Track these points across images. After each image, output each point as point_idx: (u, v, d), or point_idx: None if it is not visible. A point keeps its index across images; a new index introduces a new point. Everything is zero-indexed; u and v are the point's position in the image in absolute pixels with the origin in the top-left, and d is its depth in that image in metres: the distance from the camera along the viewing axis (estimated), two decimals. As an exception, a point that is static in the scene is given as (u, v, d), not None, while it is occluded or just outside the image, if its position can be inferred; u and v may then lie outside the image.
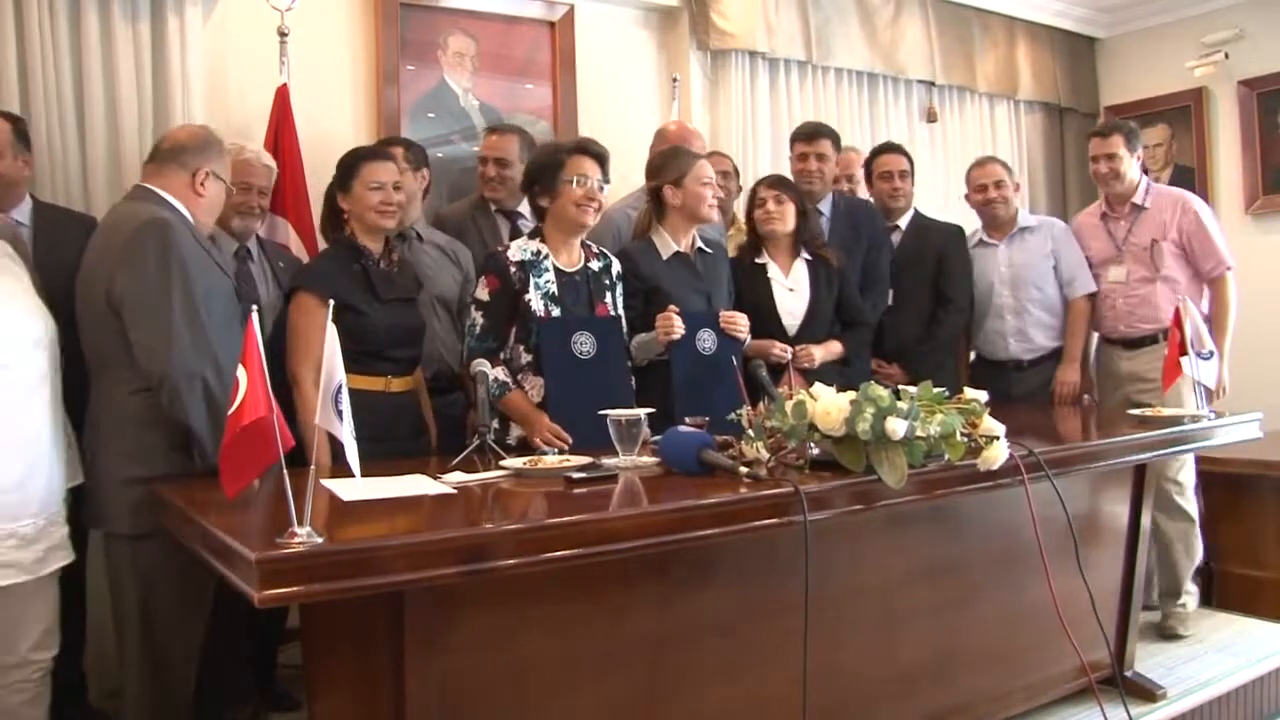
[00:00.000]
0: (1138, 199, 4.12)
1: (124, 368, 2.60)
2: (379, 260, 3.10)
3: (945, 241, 4.25)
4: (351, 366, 2.88)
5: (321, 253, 3.25)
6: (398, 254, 3.21)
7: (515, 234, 3.63)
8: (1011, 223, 4.26)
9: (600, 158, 3.10)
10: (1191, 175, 6.14)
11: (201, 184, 2.79)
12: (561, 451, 2.73)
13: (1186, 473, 3.98)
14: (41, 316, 2.56)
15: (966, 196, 4.42)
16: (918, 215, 4.36)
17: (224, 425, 2.40)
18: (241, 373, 1.81)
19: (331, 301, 2.04)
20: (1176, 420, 3.17)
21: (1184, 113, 6.26)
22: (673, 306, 3.13)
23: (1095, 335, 4.30)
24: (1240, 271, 4.10)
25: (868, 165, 4.45)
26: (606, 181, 3.12)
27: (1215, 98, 6.16)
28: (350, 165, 3.09)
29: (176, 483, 2.50)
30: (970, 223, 4.52)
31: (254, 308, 1.89)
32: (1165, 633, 3.89)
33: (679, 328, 3.10)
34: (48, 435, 2.53)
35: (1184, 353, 3.23)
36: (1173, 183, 5.83)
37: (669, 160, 3.43)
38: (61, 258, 2.82)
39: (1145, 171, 4.26)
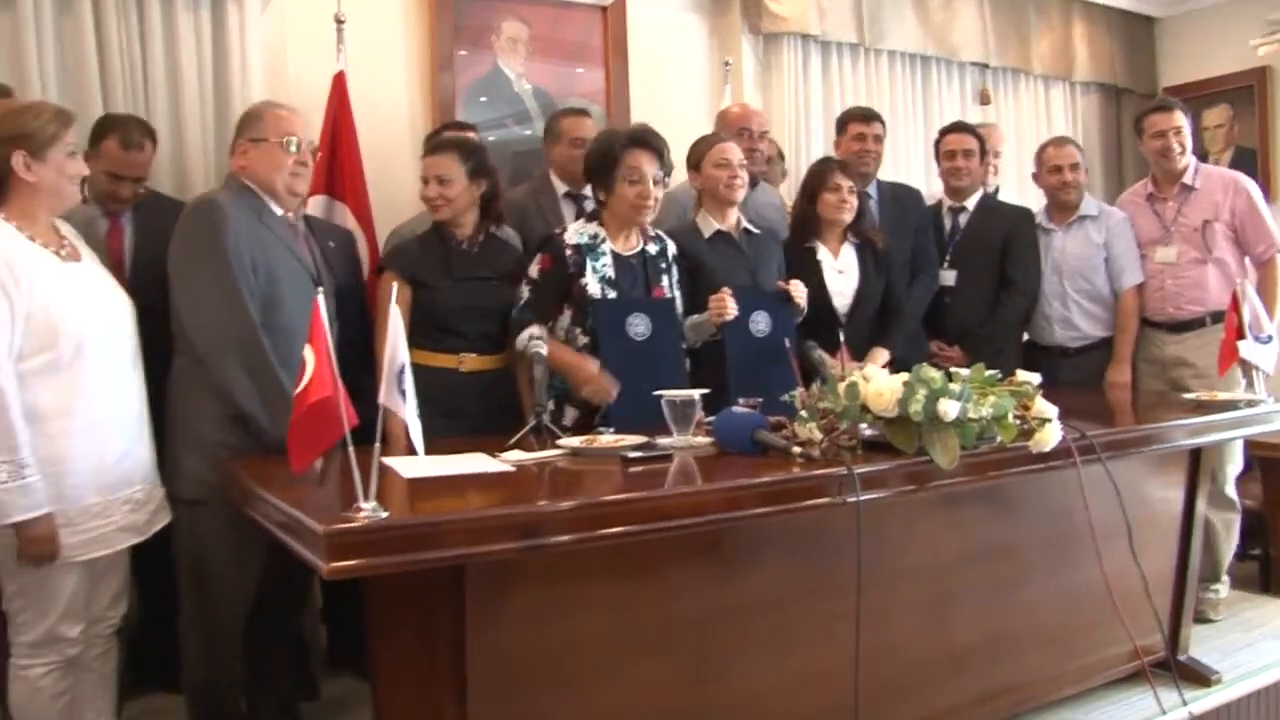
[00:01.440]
0: (1187, 179, 4.06)
1: (185, 341, 2.72)
2: (463, 241, 3.17)
3: (1013, 223, 4.20)
4: (423, 342, 3.00)
5: (417, 235, 3.32)
6: (483, 236, 3.24)
7: (580, 214, 3.59)
8: (1075, 208, 4.20)
9: (658, 150, 3.10)
10: (1253, 157, 6.02)
11: (244, 153, 2.86)
12: (615, 419, 2.77)
13: (1233, 462, 3.94)
14: (127, 299, 2.66)
15: (1035, 176, 4.36)
16: (986, 196, 4.31)
17: (276, 401, 2.56)
18: (309, 353, 1.87)
19: (395, 283, 2.11)
20: (1233, 404, 3.14)
21: (1246, 93, 6.13)
22: (725, 289, 3.16)
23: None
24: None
25: (936, 145, 4.41)
26: (666, 172, 3.13)
27: (1279, 77, 6.04)
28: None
29: (238, 456, 2.60)
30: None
31: (319, 290, 1.95)
32: (1196, 616, 3.85)
33: (732, 308, 3.12)
34: (142, 406, 2.65)
35: (1241, 336, 3.20)
36: (1234, 164, 5.71)
37: (695, 145, 3.51)
38: (156, 242, 2.94)
39: (1203, 156, 4.20)
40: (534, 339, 2.89)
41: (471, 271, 3.14)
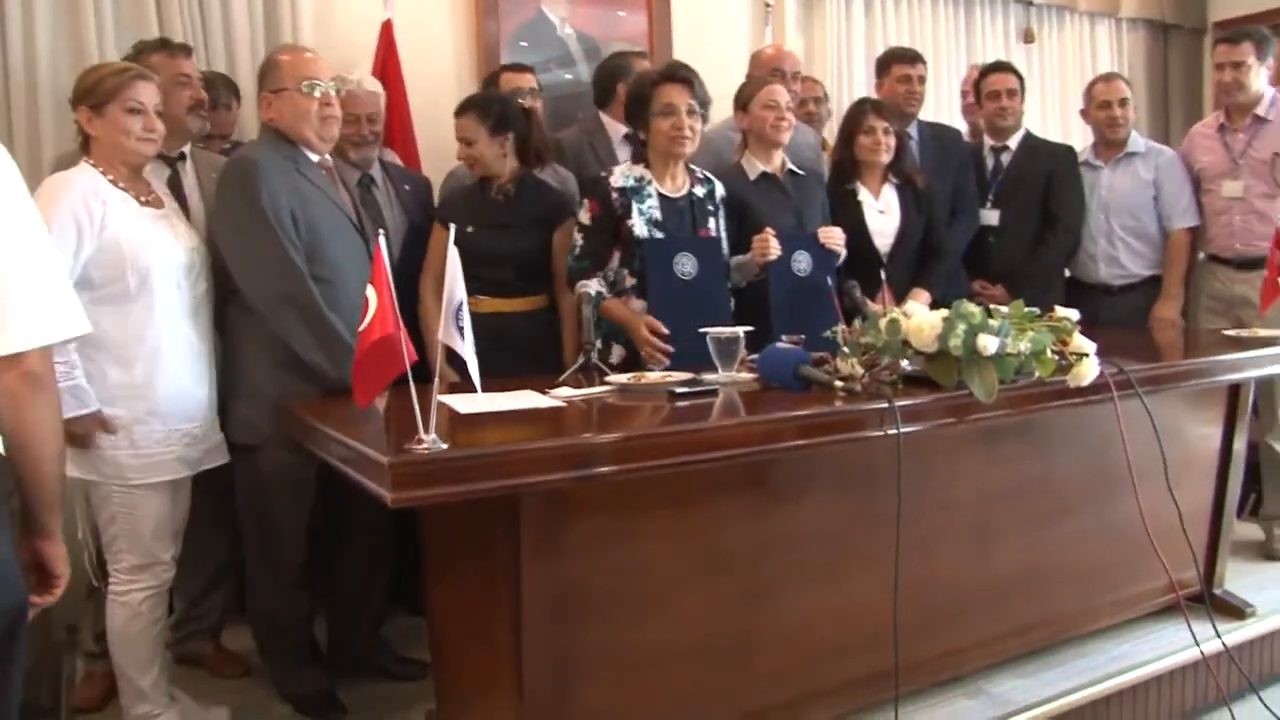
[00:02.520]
0: (1261, 110, 4.00)
1: (236, 293, 2.82)
2: (496, 190, 3.29)
3: (1055, 162, 4.20)
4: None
5: (464, 185, 3.47)
6: (516, 182, 3.32)
7: (636, 155, 3.68)
8: (1122, 145, 4.19)
9: (688, 82, 3.13)
10: (1305, 94, 5.92)
11: (268, 105, 2.90)
12: (664, 366, 2.86)
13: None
14: (199, 245, 2.79)
15: (1084, 112, 4.35)
16: (1028, 135, 4.30)
17: (333, 345, 2.66)
18: (371, 293, 1.95)
19: (452, 226, 2.20)
20: (1273, 340, 3.15)
21: (1299, 27, 6.03)
22: (769, 229, 3.20)
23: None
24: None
25: (976, 85, 4.41)
26: (701, 104, 3.15)
27: (1334, 10, 5.91)
28: None
29: (294, 400, 2.67)
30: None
31: (381, 232, 2.03)
32: (1271, 554, 3.91)
33: (775, 248, 3.17)
34: (208, 351, 2.79)
35: (1286, 273, 3.20)
36: (1281, 102, 5.65)
37: (743, 86, 3.56)
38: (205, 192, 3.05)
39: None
40: (587, 286, 2.98)
41: (494, 219, 3.25)
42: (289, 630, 3.01)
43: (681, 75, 3.15)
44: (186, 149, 3.13)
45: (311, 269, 2.77)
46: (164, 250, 2.63)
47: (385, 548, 3.12)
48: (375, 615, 3.20)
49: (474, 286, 3.11)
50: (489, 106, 3.31)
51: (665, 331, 2.98)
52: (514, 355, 3.09)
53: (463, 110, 3.33)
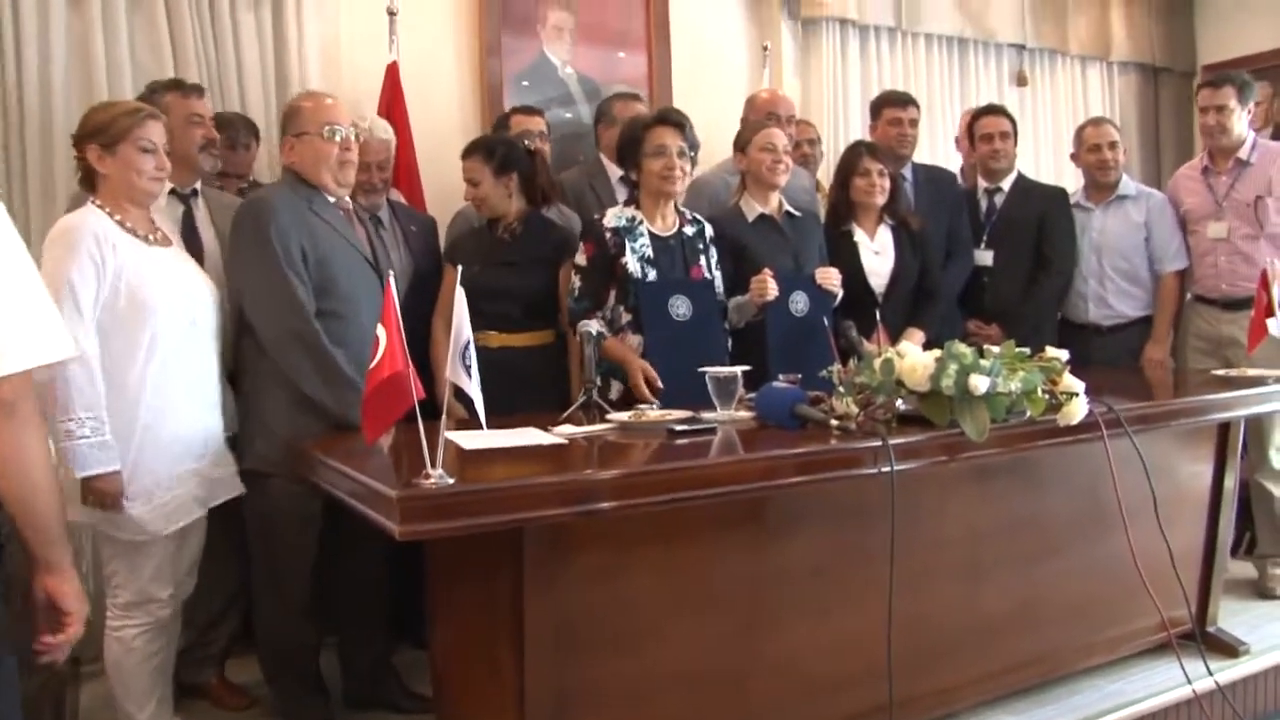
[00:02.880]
0: (1243, 154, 4.08)
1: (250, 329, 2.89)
2: (503, 229, 3.38)
3: (1048, 204, 4.27)
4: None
5: (472, 226, 3.57)
6: (522, 221, 3.41)
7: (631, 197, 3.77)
8: (1113, 188, 4.26)
9: (679, 125, 3.26)
10: (1292, 135, 6.02)
11: (290, 149, 2.97)
12: (655, 401, 2.92)
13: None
14: (207, 281, 2.83)
15: (1074, 156, 4.44)
16: (1021, 177, 4.38)
17: (337, 382, 2.73)
18: (381, 332, 2.01)
19: (460, 267, 2.28)
20: (1261, 380, 3.21)
21: (1287, 70, 6.13)
22: (767, 270, 3.28)
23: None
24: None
25: (969, 128, 4.50)
26: (691, 147, 3.27)
27: (1319, 53, 6.01)
28: None
29: (304, 438, 2.73)
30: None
31: (390, 274, 2.09)
32: (1265, 592, 3.94)
33: (773, 289, 3.24)
34: (218, 384, 2.83)
35: (1271, 314, 3.26)
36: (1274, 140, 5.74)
37: (742, 130, 3.67)
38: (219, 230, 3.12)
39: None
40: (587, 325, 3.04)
41: (501, 258, 3.33)
42: (295, 660, 3.04)
43: (674, 119, 3.29)
44: (198, 185, 3.19)
45: (324, 304, 2.84)
46: (171, 288, 2.66)
47: (381, 582, 3.16)
48: (378, 650, 3.22)
49: (482, 322, 3.20)
50: (493, 149, 3.41)
51: (660, 385, 3.04)
52: (522, 389, 3.18)
53: (469, 153, 3.44)
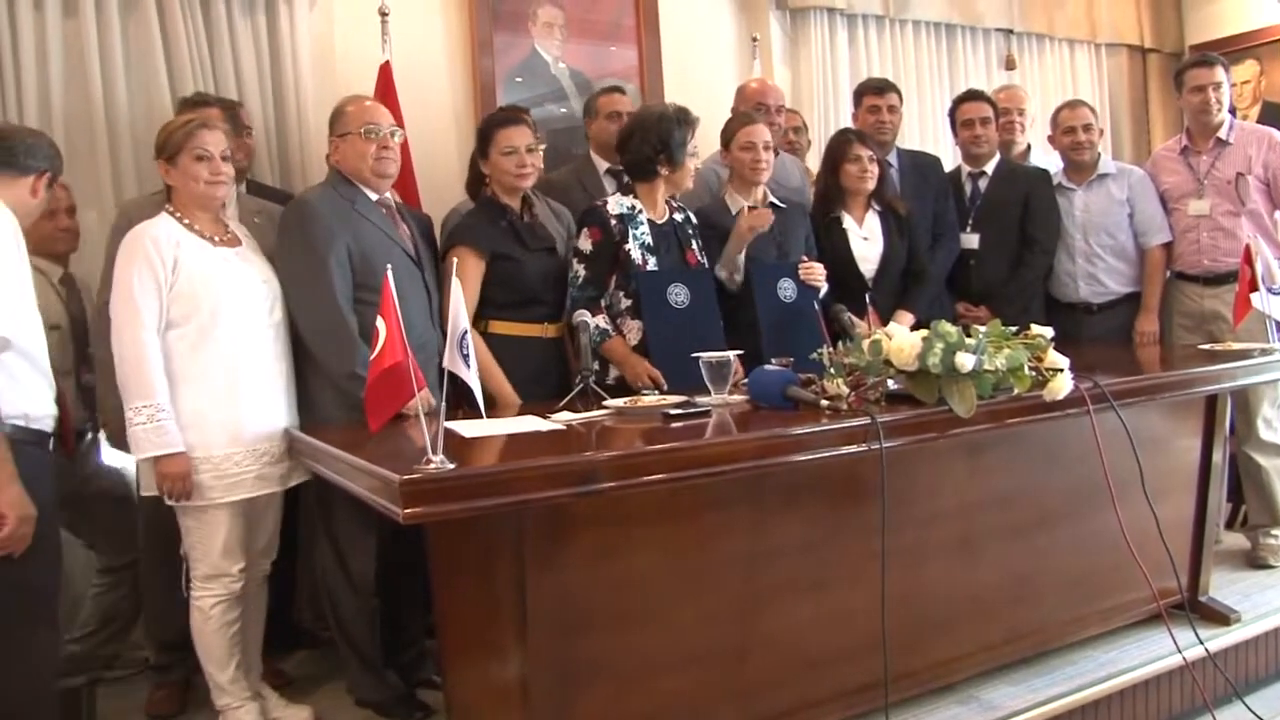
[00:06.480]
0: (1222, 134, 4.15)
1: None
2: (521, 214, 3.36)
3: (1031, 185, 4.32)
4: (512, 314, 3.24)
5: (470, 211, 3.49)
6: (535, 209, 3.43)
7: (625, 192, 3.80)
8: (1092, 168, 4.32)
9: (693, 125, 3.35)
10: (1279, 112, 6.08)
11: (336, 149, 3.13)
12: (659, 391, 2.96)
13: (1275, 406, 4.02)
14: (271, 278, 2.98)
15: (1051, 138, 4.49)
16: (1004, 160, 4.43)
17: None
18: (381, 324, 2.07)
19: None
20: (1246, 354, 3.25)
21: (1274, 48, 6.16)
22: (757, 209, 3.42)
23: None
24: (1325, 210, 4.09)
25: (951, 114, 4.54)
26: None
27: (1306, 32, 6.06)
28: (486, 132, 3.38)
29: (324, 428, 2.82)
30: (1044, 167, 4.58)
31: (388, 267, 2.16)
32: (1256, 562, 3.99)
33: (769, 217, 3.39)
34: (286, 374, 2.97)
35: (1255, 288, 3.31)
36: (1261, 120, 5.78)
37: (726, 125, 3.74)
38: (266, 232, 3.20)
39: (1231, 112, 4.26)
40: (585, 316, 3.12)
41: (540, 242, 3.35)
42: (366, 637, 3.11)
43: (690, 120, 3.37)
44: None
45: (366, 295, 2.93)
46: (237, 285, 2.84)
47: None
48: (413, 633, 3.28)
49: (542, 312, 3.30)
50: (531, 120, 3.43)
51: (664, 385, 3.07)
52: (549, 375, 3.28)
53: (517, 119, 3.39)
